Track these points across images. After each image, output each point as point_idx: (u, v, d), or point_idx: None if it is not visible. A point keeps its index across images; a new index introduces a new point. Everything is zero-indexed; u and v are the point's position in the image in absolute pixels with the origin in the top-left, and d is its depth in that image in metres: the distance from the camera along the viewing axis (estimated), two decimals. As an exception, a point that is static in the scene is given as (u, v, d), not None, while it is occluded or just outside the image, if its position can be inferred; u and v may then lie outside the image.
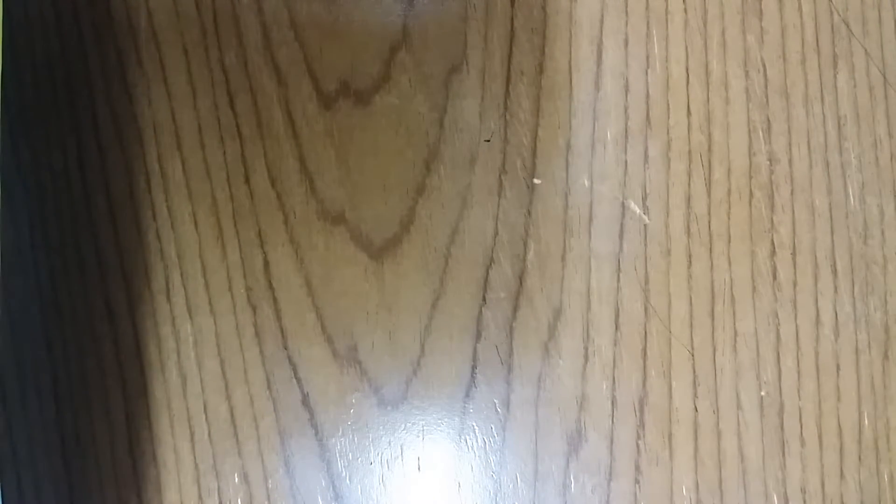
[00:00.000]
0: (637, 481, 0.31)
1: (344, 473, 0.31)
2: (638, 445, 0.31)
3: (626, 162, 0.31)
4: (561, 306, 0.31)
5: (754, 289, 0.30)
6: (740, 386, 0.30)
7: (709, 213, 0.31)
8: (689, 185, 0.31)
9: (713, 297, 0.31)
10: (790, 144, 0.31)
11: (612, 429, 0.31)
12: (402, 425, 0.31)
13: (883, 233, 0.30)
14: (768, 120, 0.31)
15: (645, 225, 0.31)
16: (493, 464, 0.31)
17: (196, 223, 0.31)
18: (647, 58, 0.31)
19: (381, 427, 0.31)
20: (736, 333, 0.30)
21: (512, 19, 0.31)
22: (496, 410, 0.31)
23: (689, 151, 0.31)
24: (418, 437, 0.31)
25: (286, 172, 0.31)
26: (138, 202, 0.32)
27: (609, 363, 0.31)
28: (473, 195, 0.31)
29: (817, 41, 0.31)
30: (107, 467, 0.31)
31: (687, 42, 0.31)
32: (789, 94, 0.31)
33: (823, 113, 0.31)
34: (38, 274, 0.31)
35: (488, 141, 0.31)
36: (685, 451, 0.30)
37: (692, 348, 0.31)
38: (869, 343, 0.30)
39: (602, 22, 0.31)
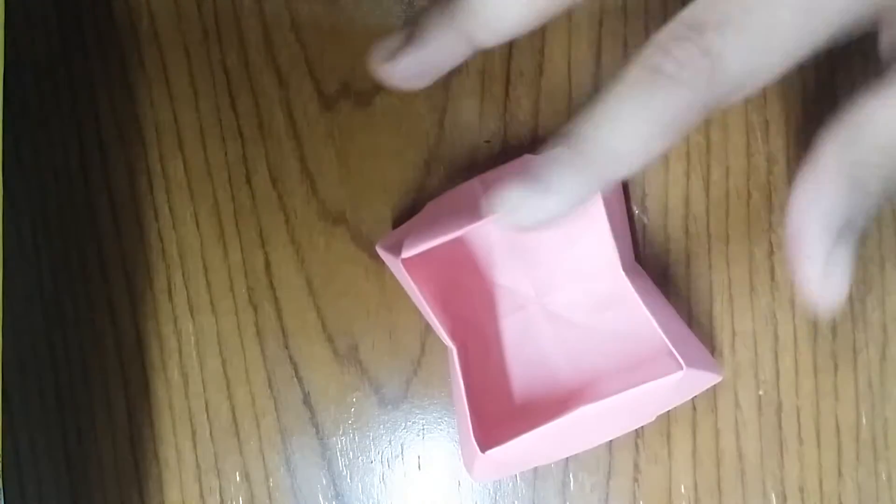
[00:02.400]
0: (636, 480, 0.31)
1: (345, 472, 0.31)
2: (636, 444, 0.31)
3: (625, 162, 0.31)
4: (560, 306, 0.31)
5: (752, 289, 0.31)
6: (738, 385, 0.31)
7: (707, 214, 0.31)
8: (687, 185, 0.31)
9: (711, 297, 0.31)
10: (788, 145, 0.31)
11: (611, 428, 0.31)
12: (403, 424, 0.31)
13: (880, 232, 0.31)
14: (766, 121, 0.31)
15: (644, 225, 0.31)
16: (492, 462, 0.31)
17: (198, 223, 0.32)
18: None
19: (381, 426, 0.31)
20: (734, 333, 0.31)
21: (512, 21, 0.31)
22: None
23: (688, 152, 0.31)
24: (419, 435, 0.31)
25: (287, 173, 0.31)
26: (140, 202, 0.32)
27: (608, 362, 0.31)
28: (473, 195, 0.31)
29: (815, 42, 0.31)
30: (109, 466, 0.31)
31: (685, 43, 0.31)
32: (787, 94, 0.31)
33: (821, 114, 0.31)
34: (41, 273, 0.31)
35: (488, 142, 0.31)
36: (684, 450, 0.31)
37: (691, 348, 0.31)
38: (867, 342, 0.31)
39: (601, 23, 0.31)
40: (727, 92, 0.21)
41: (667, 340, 0.26)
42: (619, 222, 0.29)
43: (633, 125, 0.20)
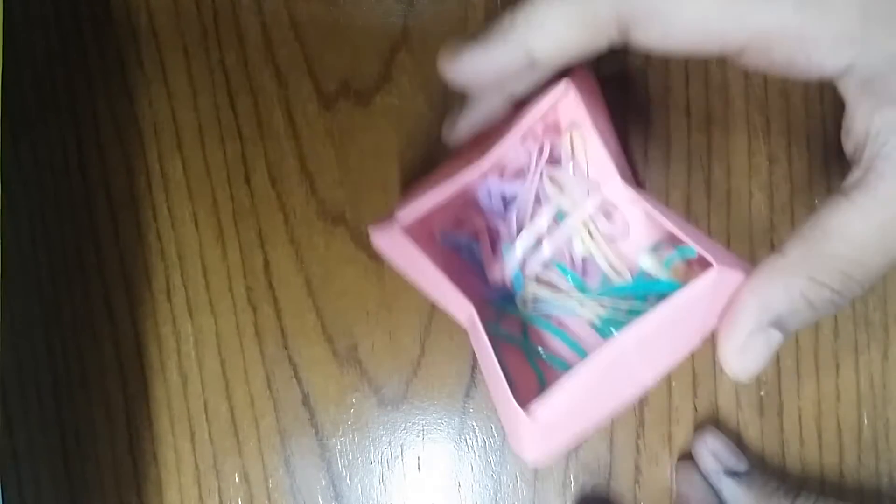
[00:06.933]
0: (637, 481, 0.31)
1: (344, 473, 0.31)
2: (637, 445, 0.31)
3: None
4: (561, 306, 0.31)
5: (754, 289, 0.30)
6: (740, 386, 0.30)
7: (708, 214, 0.31)
8: (688, 185, 0.31)
9: (713, 298, 0.31)
10: (789, 145, 0.31)
11: (612, 429, 0.31)
12: (403, 425, 0.31)
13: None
14: (768, 120, 0.31)
15: (645, 225, 0.31)
16: (492, 463, 0.31)
17: (197, 223, 0.31)
18: (647, 59, 0.31)
19: (381, 427, 0.31)
20: (735, 333, 0.30)
21: (512, 20, 0.31)
22: (496, 410, 0.31)
23: (689, 152, 0.31)
24: (418, 436, 0.31)
25: (286, 172, 0.31)
26: (139, 202, 0.32)
27: (609, 363, 0.31)
28: (473, 195, 0.31)
29: (817, 42, 0.31)
30: (107, 466, 0.31)
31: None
32: (789, 94, 0.31)
33: (823, 113, 0.31)
34: (39, 273, 0.31)
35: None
36: (684, 451, 0.31)
37: (692, 348, 0.31)
38: (868, 343, 0.31)
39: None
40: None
41: (692, 243, 0.24)
42: (613, 144, 0.28)
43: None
